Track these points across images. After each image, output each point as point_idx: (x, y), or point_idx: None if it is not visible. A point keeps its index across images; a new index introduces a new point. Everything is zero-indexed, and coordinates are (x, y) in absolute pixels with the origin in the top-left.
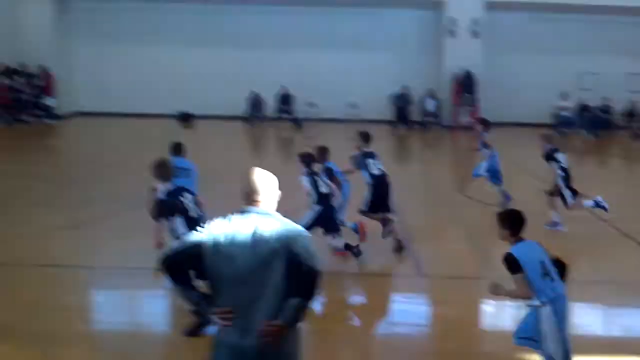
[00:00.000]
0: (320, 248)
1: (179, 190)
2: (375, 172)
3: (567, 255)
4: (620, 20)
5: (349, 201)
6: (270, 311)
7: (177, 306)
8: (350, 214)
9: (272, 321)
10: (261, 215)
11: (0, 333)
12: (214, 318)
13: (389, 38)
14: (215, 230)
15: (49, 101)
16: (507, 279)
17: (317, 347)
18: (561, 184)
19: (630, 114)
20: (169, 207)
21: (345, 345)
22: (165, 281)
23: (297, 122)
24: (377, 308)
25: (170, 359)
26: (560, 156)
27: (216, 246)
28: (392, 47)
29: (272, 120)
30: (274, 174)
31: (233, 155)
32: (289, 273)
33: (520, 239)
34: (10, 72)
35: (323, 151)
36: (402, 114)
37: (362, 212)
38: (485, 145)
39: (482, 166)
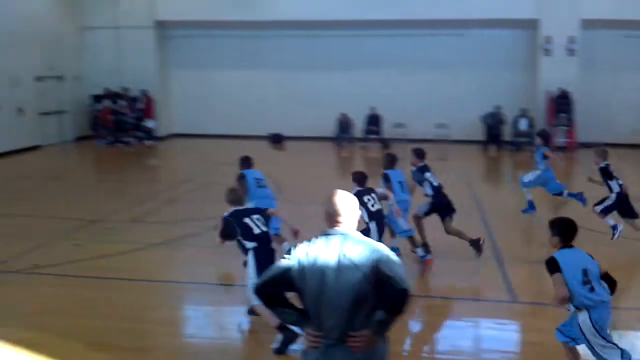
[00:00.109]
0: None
1: (245, 212)
2: (435, 183)
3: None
4: None
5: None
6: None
7: (265, 323)
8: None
9: (360, 332)
10: (344, 237)
11: (96, 343)
12: (304, 339)
13: (479, 57)
14: (302, 254)
15: (149, 123)
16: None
17: None
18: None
19: None
20: (231, 229)
21: None
22: (256, 300)
23: (385, 143)
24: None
25: None
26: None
27: (302, 270)
28: (483, 66)
29: (360, 140)
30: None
31: (322, 174)
32: (378, 294)
33: (569, 247)
34: (113, 95)
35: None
36: (494, 133)
37: (418, 218)
38: (544, 157)
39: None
